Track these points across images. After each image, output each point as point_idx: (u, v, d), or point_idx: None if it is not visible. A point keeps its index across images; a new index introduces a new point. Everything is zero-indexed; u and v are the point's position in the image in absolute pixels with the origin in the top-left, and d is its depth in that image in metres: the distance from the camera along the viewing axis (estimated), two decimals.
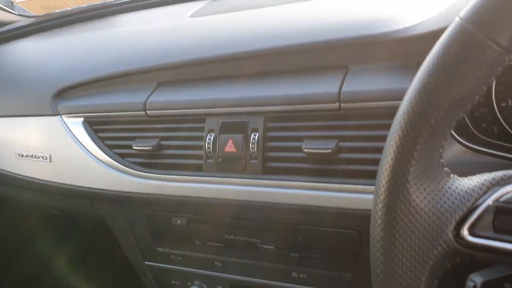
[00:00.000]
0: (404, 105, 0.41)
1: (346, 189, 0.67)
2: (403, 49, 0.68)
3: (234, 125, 0.76)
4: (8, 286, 1.61)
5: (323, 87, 0.69)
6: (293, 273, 0.80)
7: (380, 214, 0.42)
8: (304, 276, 0.79)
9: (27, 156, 0.98)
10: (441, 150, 0.42)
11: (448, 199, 0.41)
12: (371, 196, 0.65)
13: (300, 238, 0.76)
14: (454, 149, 0.63)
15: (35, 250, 1.63)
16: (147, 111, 0.83)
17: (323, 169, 0.70)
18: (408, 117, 0.40)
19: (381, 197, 0.42)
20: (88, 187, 0.91)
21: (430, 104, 0.39)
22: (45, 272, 1.68)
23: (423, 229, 0.40)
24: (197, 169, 0.79)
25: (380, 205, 0.42)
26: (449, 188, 0.41)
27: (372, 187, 0.65)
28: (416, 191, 0.41)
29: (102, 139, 0.89)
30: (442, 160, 0.42)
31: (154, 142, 0.82)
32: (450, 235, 0.40)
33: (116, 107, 0.88)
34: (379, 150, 0.65)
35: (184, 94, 0.83)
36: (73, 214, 1.20)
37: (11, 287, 1.62)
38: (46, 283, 1.68)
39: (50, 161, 0.95)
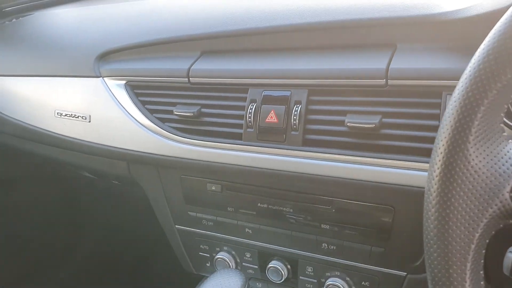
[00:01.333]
0: (472, 66, 0.42)
1: (386, 164, 0.69)
2: (451, 31, 0.68)
3: (277, 97, 0.77)
4: (45, 249, 1.67)
5: (370, 63, 0.71)
6: (323, 244, 0.82)
7: (438, 171, 0.44)
8: (334, 248, 0.81)
9: (66, 115, 1.01)
10: (502, 114, 0.43)
11: (507, 161, 0.43)
12: (410, 172, 0.68)
13: (333, 210, 0.78)
14: None
15: (68, 212, 1.68)
16: (190, 78, 0.85)
17: (364, 143, 0.71)
18: (476, 77, 0.41)
19: (441, 154, 0.43)
20: (126, 149, 0.93)
21: (500, 66, 0.40)
22: (77, 235, 1.74)
23: (480, 188, 0.42)
24: (237, 137, 0.81)
25: (439, 162, 0.43)
26: (508, 152, 0.43)
27: (412, 164, 0.67)
28: (475, 151, 0.42)
29: (143, 103, 0.91)
30: (502, 125, 0.44)
31: (195, 109, 0.84)
32: (507, 195, 0.42)
33: (159, 72, 0.89)
34: (422, 127, 0.67)
35: (227, 64, 0.84)
36: (106, 178, 1.23)
37: (48, 249, 1.67)
38: (79, 245, 1.74)
39: (89, 122, 0.97)
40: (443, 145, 0.43)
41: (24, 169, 1.59)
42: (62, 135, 1.02)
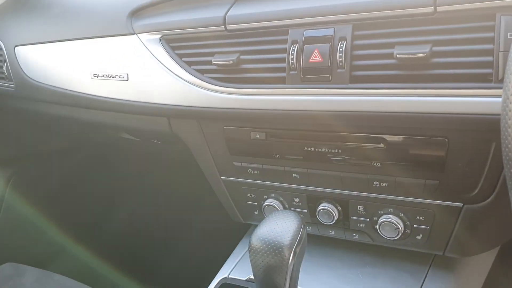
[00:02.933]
0: None
1: (440, 93, 0.67)
2: None
3: (319, 35, 0.75)
4: (92, 209, 1.72)
5: None
6: (375, 183, 0.82)
7: None
8: (387, 185, 0.81)
9: (102, 76, 1.01)
10: None
11: None
12: (466, 100, 0.66)
13: (385, 147, 0.77)
14: None
15: (108, 180, 1.72)
16: (227, 26, 0.83)
17: (415, 75, 0.69)
18: None
19: None
20: (166, 104, 0.93)
21: None
22: (119, 195, 1.78)
23: None
24: (279, 81, 0.80)
25: None
26: None
27: (468, 90, 0.65)
28: None
29: (180, 56, 0.90)
30: None
31: (234, 56, 0.83)
32: None
33: (194, 23, 0.87)
34: (476, 52, 0.65)
35: (264, 7, 0.82)
36: (147, 137, 1.24)
37: (95, 210, 1.72)
38: (125, 204, 1.78)
39: (127, 80, 0.97)
40: None
41: (62, 140, 1.62)
42: (101, 96, 1.02)
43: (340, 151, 0.82)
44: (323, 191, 0.89)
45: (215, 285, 0.96)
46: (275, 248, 0.67)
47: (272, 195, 0.97)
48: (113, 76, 0.99)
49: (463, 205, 0.77)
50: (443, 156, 0.73)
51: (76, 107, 1.13)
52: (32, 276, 1.25)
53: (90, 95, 1.04)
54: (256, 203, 1.00)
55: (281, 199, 0.96)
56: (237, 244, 1.10)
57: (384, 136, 0.76)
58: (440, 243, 0.84)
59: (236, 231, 1.14)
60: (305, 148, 0.85)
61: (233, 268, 1.01)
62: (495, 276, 1.00)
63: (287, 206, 0.96)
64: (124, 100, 0.99)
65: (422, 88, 0.68)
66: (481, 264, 0.99)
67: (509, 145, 0.44)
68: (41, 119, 1.43)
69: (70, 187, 1.71)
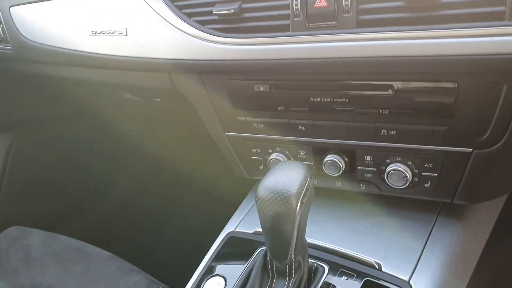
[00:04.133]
0: None
1: (450, 35, 0.65)
2: None
3: None
4: (94, 170, 1.72)
5: None
6: (382, 131, 0.80)
7: None
8: (395, 133, 0.79)
9: (101, 32, 0.98)
10: None
11: None
12: (475, 40, 0.64)
13: (392, 94, 0.75)
14: None
15: (111, 142, 1.71)
16: None
17: (423, 17, 0.67)
18: None
19: None
20: (167, 58, 0.90)
21: None
22: (123, 158, 1.78)
23: None
24: (284, 29, 0.77)
25: None
26: None
27: (478, 30, 0.63)
28: None
29: (180, 8, 0.87)
30: None
31: (236, 5, 0.80)
32: None
33: None
34: None
35: None
36: (148, 96, 1.22)
37: (98, 169, 1.72)
38: (130, 166, 1.78)
39: (126, 35, 0.94)
40: None
41: (63, 105, 1.61)
42: (100, 53, 1.00)
43: (346, 100, 0.80)
44: (329, 142, 0.88)
45: (222, 239, 0.97)
46: (282, 197, 0.67)
47: (277, 149, 0.96)
48: (111, 32, 0.97)
49: (472, 150, 0.76)
50: (452, 101, 0.71)
51: (75, 67, 1.11)
52: (38, 237, 1.26)
53: (89, 52, 1.02)
54: (261, 158, 0.99)
55: (287, 152, 0.95)
56: (243, 199, 1.10)
57: (392, 83, 0.74)
58: (449, 191, 0.83)
59: (242, 187, 1.14)
60: (311, 99, 0.83)
61: (240, 222, 1.02)
62: (502, 225, 1.00)
63: (292, 159, 0.95)
64: (123, 56, 0.97)
65: (432, 30, 0.66)
66: (489, 212, 0.99)
67: None
68: (42, 83, 1.41)
69: (73, 152, 1.70)
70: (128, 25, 0.94)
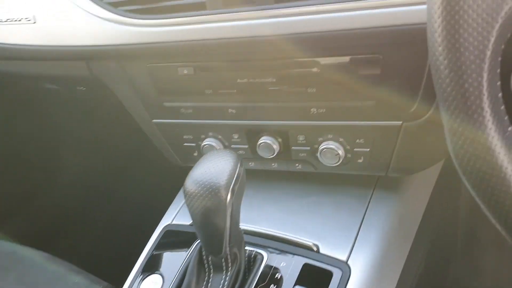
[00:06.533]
0: None
1: (369, 5, 0.62)
2: None
3: None
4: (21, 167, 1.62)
5: None
6: (312, 110, 0.77)
7: None
8: (324, 110, 0.77)
9: (7, 20, 0.89)
10: None
11: None
12: (395, 10, 0.61)
13: (318, 70, 0.72)
14: None
15: (43, 132, 1.61)
16: None
17: None
18: None
19: None
20: (81, 45, 0.83)
21: None
22: (50, 152, 1.68)
23: None
24: (200, 8, 0.72)
25: None
26: None
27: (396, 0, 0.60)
28: None
29: None
30: None
31: None
32: None
33: None
34: None
35: None
36: (69, 85, 1.14)
37: (24, 168, 1.62)
38: (54, 161, 1.69)
39: (35, 22, 0.86)
40: None
41: None
42: (9, 44, 0.91)
43: (274, 79, 0.76)
44: (261, 124, 0.85)
45: (159, 233, 0.92)
46: (211, 190, 0.63)
47: (210, 133, 0.91)
48: (18, 19, 0.88)
49: (402, 123, 0.74)
50: (377, 74, 0.69)
51: None
52: None
53: None
54: (194, 144, 0.95)
55: (220, 137, 0.91)
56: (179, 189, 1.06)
57: (317, 59, 0.71)
58: (382, 164, 0.82)
59: (177, 176, 1.10)
60: (238, 80, 0.79)
61: (176, 214, 0.97)
62: (440, 192, 1.01)
63: (226, 144, 0.91)
64: (33, 45, 0.89)
65: (350, 1, 0.63)
66: (425, 182, 1.00)
67: (436, 52, 0.39)
68: None
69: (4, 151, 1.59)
70: (35, 10, 0.86)
